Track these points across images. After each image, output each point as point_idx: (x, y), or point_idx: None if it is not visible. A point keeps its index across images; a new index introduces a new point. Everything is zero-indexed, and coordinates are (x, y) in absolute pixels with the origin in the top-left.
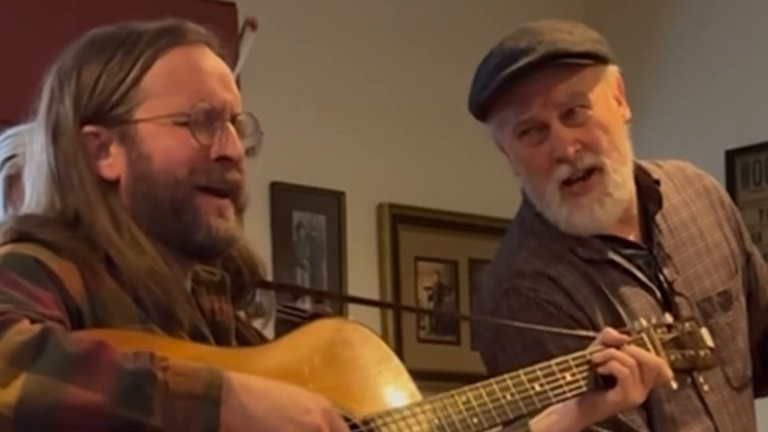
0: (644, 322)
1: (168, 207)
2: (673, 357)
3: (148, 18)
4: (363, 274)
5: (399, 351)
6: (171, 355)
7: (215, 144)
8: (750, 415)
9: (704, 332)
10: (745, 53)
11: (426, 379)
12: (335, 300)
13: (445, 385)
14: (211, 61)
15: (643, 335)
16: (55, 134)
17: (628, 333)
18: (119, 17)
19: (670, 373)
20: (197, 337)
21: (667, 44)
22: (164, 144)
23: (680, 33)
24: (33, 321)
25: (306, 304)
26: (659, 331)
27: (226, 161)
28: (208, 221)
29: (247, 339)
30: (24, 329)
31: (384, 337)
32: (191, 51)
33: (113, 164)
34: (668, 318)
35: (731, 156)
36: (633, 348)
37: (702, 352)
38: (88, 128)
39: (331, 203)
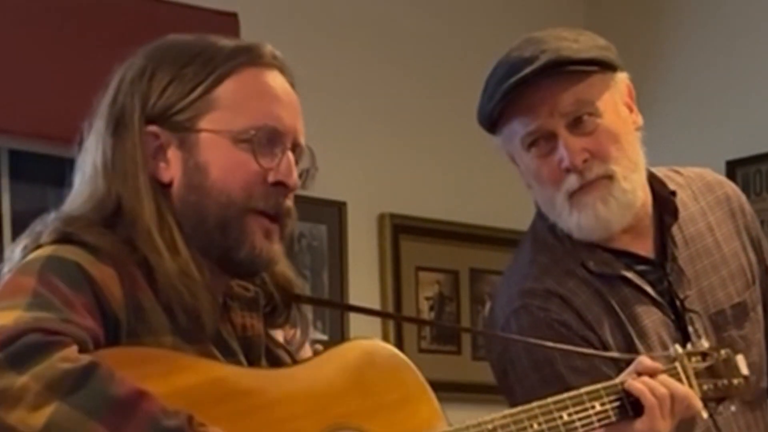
0: (679, 349)
1: (215, 222)
2: (705, 387)
3: (149, 26)
4: (364, 284)
5: None
6: (197, 375)
7: (274, 169)
8: (762, 427)
9: (739, 360)
10: (747, 64)
11: None
12: (348, 311)
13: (446, 395)
14: (283, 86)
15: (677, 364)
16: (117, 126)
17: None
18: (121, 27)
19: (699, 405)
20: (225, 349)
21: (669, 55)
22: (223, 160)
23: (682, 43)
24: (81, 347)
25: (308, 314)
26: (694, 359)
27: (282, 187)
28: (253, 241)
29: (277, 357)
30: (70, 357)
31: None
32: (265, 73)
33: (168, 168)
34: (704, 344)
35: (732, 166)
36: (665, 378)
37: (735, 381)
38: (151, 128)
39: (332, 213)
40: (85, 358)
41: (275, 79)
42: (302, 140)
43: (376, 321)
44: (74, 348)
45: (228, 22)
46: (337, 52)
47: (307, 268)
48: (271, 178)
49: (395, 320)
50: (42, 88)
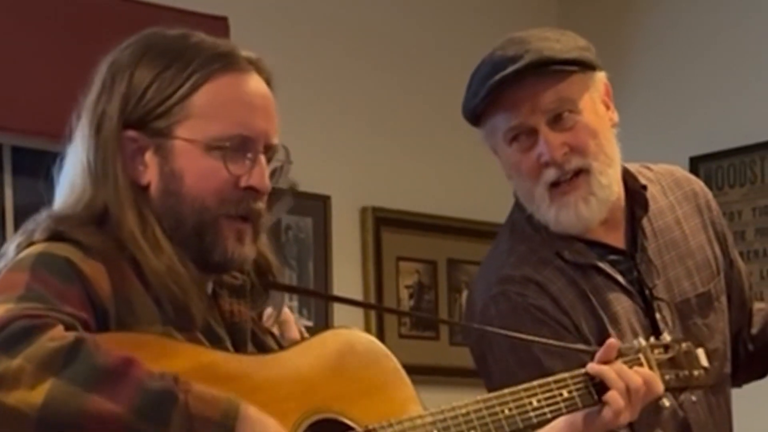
0: (642, 342)
1: (191, 226)
2: (667, 377)
3: (143, 29)
4: (347, 274)
5: None
6: (186, 360)
7: (245, 174)
8: (725, 410)
9: (700, 352)
10: (710, 65)
11: (407, 372)
12: (331, 301)
13: (425, 379)
14: (257, 89)
15: (641, 355)
16: (98, 129)
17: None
18: (116, 29)
19: (660, 387)
20: (211, 336)
21: (636, 56)
22: (196, 168)
23: (648, 44)
24: (67, 327)
25: (293, 302)
26: (656, 351)
27: (253, 192)
28: (226, 245)
29: (263, 342)
30: (57, 336)
31: (367, 332)
32: (240, 78)
33: (146, 171)
34: (667, 337)
35: (695, 162)
36: (621, 368)
37: (696, 372)
38: (130, 133)
39: (317, 207)
40: (71, 335)
41: (250, 83)
42: (275, 140)
43: (359, 308)
44: (60, 327)
45: (218, 25)
46: (323, 53)
47: (293, 259)
48: (242, 183)
49: (376, 310)
50: (42, 89)
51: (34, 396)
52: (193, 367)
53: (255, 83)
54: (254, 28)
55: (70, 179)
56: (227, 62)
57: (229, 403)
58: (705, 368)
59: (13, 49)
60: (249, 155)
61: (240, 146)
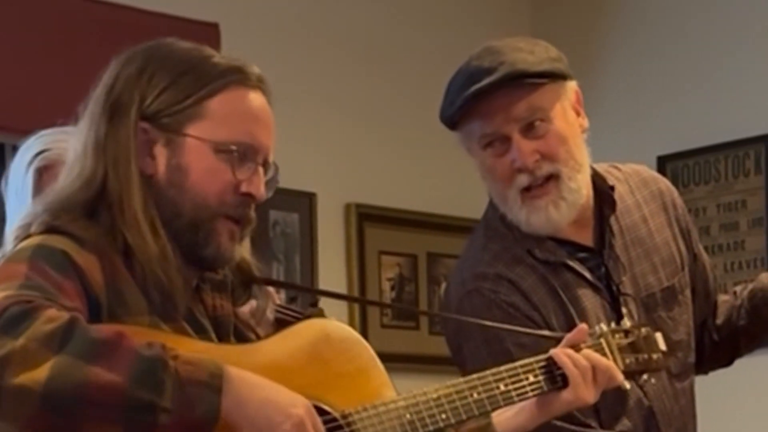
0: (604, 327)
1: (188, 219)
2: (627, 360)
3: (136, 35)
4: (332, 267)
5: (364, 336)
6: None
7: (246, 181)
8: (689, 397)
9: (658, 336)
10: (676, 68)
11: (389, 360)
12: (317, 295)
13: (406, 366)
14: (263, 107)
15: (602, 340)
16: (113, 114)
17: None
18: (112, 34)
19: (620, 377)
20: (195, 326)
21: (605, 59)
22: (203, 165)
23: (616, 47)
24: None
25: (281, 294)
26: (617, 336)
27: (250, 198)
28: (219, 241)
29: (244, 335)
30: (54, 316)
31: (351, 323)
32: (250, 94)
33: (152, 163)
34: (626, 323)
35: (663, 161)
36: (587, 352)
37: (655, 356)
38: (143, 124)
39: (303, 203)
40: (66, 314)
41: (257, 100)
42: (271, 157)
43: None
44: (54, 309)
45: (209, 32)
46: (310, 56)
47: (281, 253)
48: (242, 189)
49: (358, 302)
50: (43, 89)
51: (38, 373)
52: None
53: (262, 101)
54: (244, 35)
55: (72, 160)
56: (242, 77)
57: (213, 365)
58: (663, 352)
59: (14, 50)
60: (250, 164)
61: (245, 154)
